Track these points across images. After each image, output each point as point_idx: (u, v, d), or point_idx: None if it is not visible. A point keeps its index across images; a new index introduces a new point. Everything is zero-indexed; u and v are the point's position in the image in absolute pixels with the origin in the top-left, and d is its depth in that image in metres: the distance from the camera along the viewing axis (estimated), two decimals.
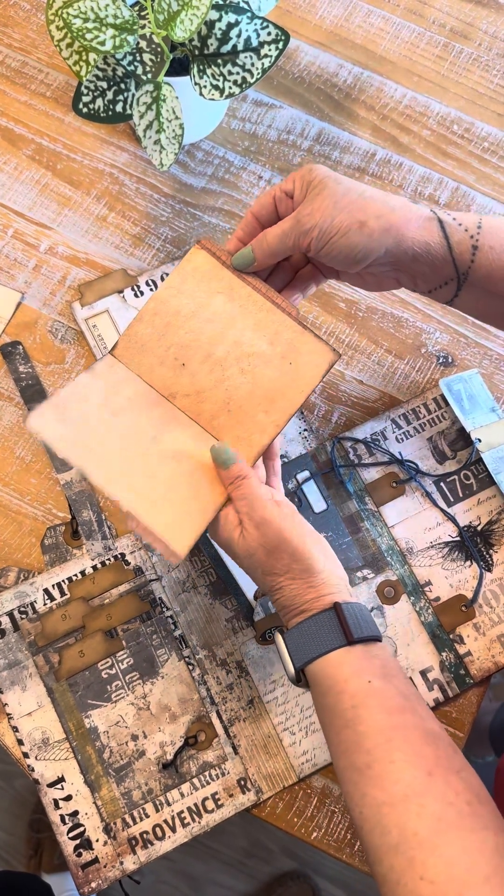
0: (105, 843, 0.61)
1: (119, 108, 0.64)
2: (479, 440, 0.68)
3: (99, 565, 0.66)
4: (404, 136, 0.80)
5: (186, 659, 0.64)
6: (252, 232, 0.56)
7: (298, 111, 0.80)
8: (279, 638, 0.53)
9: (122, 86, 0.64)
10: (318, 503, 0.68)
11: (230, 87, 0.63)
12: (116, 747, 0.62)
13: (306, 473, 0.68)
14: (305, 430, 0.70)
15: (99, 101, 0.64)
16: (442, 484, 0.68)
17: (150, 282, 0.73)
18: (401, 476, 0.68)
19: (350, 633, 0.50)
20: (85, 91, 0.63)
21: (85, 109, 0.64)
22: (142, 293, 0.73)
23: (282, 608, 0.54)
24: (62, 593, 0.65)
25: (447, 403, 0.70)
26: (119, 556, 0.66)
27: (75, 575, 0.66)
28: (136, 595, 0.65)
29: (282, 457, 0.68)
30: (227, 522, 0.54)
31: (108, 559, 0.66)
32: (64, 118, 0.79)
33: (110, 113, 0.64)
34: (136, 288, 0.73)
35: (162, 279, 0.73)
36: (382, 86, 0.81)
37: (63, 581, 0.66)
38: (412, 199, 0.77)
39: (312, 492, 0.68)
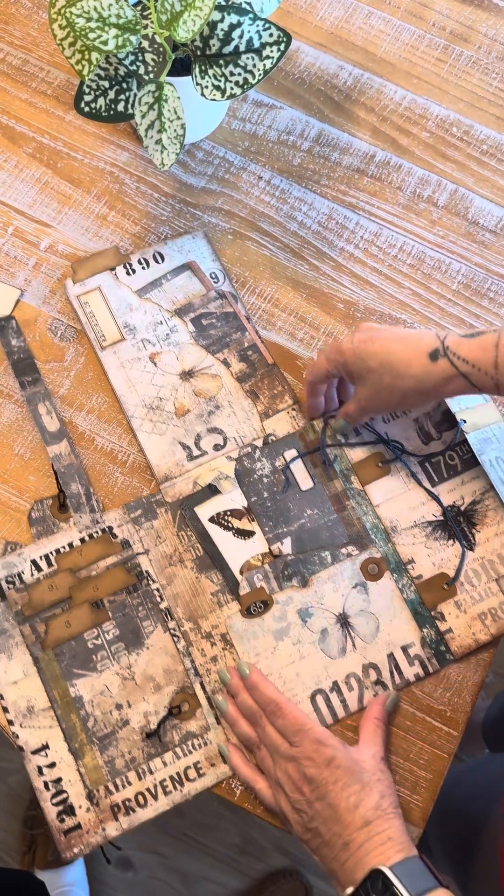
0: (88, 809, 0.62)
1: (121, 107, 0.64)
2: (465, 421, 0.69)
3: (87, 538, 0.67)
4: (404, 137, 0.80)
5: (171, 631, 0.65)
6: (315, 392, 0.68)
7: (298, 112, 0.80)
8: (387, 871, 0.52)
9: (124, 85, 0.64)
10: (304, 481, 0.69)
11: (232, 88, 0.63)
12: (101, 716, 0.64)
13: (293, 452, 0.70)
14: (293, 408, 0.71)
15: (101, 101, 0.64)
16: (427, 464, 0.70)
17: (142, 260, 0.74)
18: (386, 456, 0.70)
19: (442, 880, 0.53)
20: (87, 90, 0.63)
21: (87, 108, 0.64)
22: (133, 271, 0.74)
23: (371, 845, 0.55)
24: (49, 564, 0.66)
25: None
26: (107, 529, 0.67)
27: (63, 547, 0.67)
28: (122, 568, 0.66)
29: (269, 435, 0.70)
30: (281, 804, 0.60)
31: (96, 532, 0.67)
32: (65, 116, 0.79)
33: (112, 112, 0.64)
34: (128, 266, 0.74)
35: (154, 258, 0.74)
36: (382, 87, 0.81)
37: (51, 553, 0.67)
38: (412, 203, 0.78)
39: (299, 470, 0.69)
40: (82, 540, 0.67)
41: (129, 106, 0.64)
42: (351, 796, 0.56)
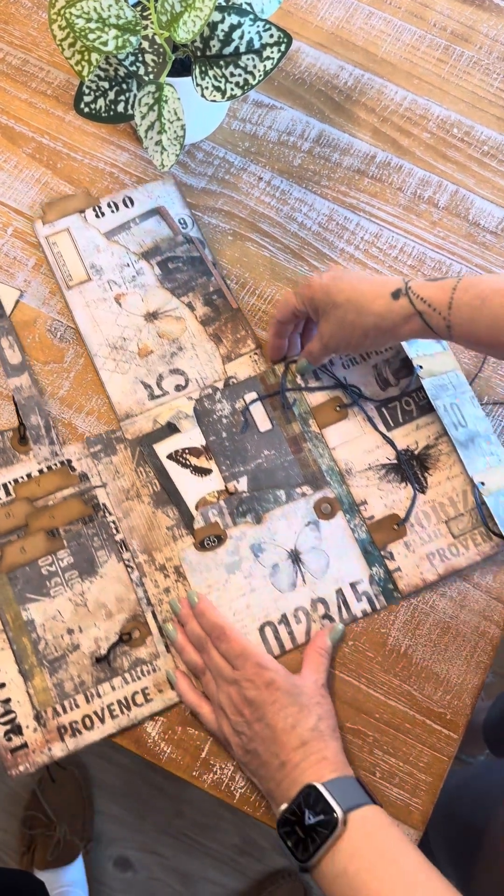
0: (35, 729, 0.63)
1: (121, 108, 0.64)
2: (421, 367, 0.70)
3: (45, 469, 0.68)
4: (404, 138, 0.80)
5: (126, 561, 0.66)
6: (281, 332, 0.69)
7: (299, 112, 0.80)
8: (320, 785, 0.54)
9: (124, 86, 0.64)
10: (263, 423, 0.70)
11: (232, 89, 0.63)
12: (52, 640, 0.65)
13: (254, 395, 0.71)
14: (255, 352, 0.72)
15: (100, 101, 0.64)
16: (383, 409, 0.71)
17: (111, 203, 0.75)
18: (344, 400, 0.71)
19: (373, 798, 0.56)
20: (86, 91, 0.63)
21: (86, 109, 0.64)
22: (102, 214, 0.75)
23: (308, 764, 0.57)
24: (7, 493, 0.68)
25: None
26: (66, 462, 0.68)
27: (21, 477, 0.68)
28: (79, 499, 0.67)
29: (230, 378, 0.71)
30: (224, 727, 0.62)
31: (55, 464, 0.68)
32: (64, 117, 0.79)
33: (112, 113, 0.64)
34: (97, 209, 0.75)
35: (124, 202, 0.75)
36: (383, 88, 0.81)
37: (9, 482, 0.68)
38: (412, 204, 0.78)
39: (258, 412, 0.71)
40: (41, 471, 0.68)
41: (129, 107, 0.64)
42: (289, 717, 0.58)
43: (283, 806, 0.55)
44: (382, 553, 0.68)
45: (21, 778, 1.36)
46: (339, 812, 0.52)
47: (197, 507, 0.68)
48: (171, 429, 0.70)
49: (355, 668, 0.66)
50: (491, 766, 0.89)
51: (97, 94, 0.63)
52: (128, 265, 0.74)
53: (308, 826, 0.53)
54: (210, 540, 0.67)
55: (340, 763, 0.57)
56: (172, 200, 0.76)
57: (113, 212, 0.75)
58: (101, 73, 0.63)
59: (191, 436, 0.70)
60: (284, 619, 0.66)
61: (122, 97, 0.64)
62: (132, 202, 0.76)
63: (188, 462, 0.69)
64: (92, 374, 0.71)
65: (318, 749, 0.57)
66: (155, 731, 0.64)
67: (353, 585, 0.67)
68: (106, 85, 0.63)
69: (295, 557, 0.67)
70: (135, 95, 0.63)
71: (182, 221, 0.75)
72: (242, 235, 0.76)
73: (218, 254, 0.75)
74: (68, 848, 1.30)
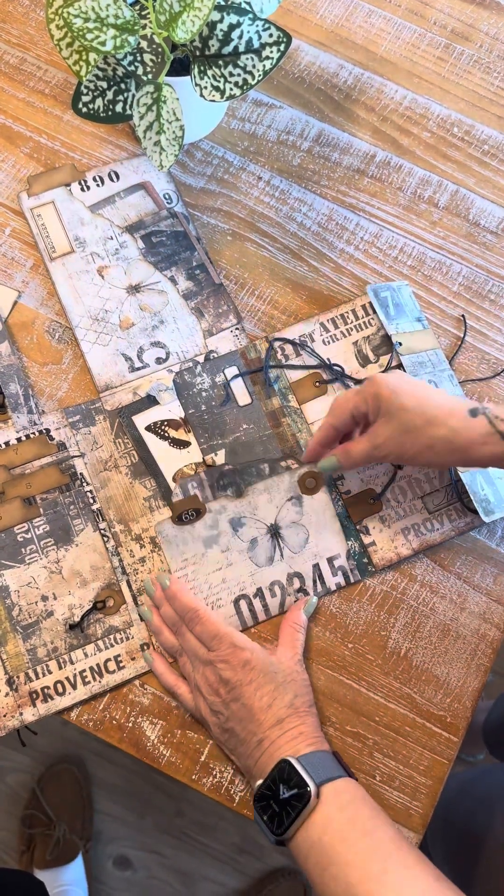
0: (7, 694, 0.64)
1: (119, 108, 0.63)
2: (400, 343, 0.71)
3: (23, 437, 0.68)
4: (404, 137, 0.79)
5: (102, 531, 0.67)
6: (329, 438, 0.65)
7: (298, 112, 0.80)
8: (294, 760, 0.55)
9: (123, 86, 0.63)
10: (242, 397, 0.71)
11: (231, 89, 0.62)
12: (26, 606, 0.65)
13: (234, 370, 0.71)
14: (236, 327, 0.72)
15: (99, 101, 0.63)
16: None
17: (97, 177, 0.76)
18: (324, 376, 0.71)
19: (350, 772, 0.57)
20: (85, 91, 0.63)
21: (84, 109, 0.64)
22: (88, 188, 0.75)
23: (284, 739, 0.57)
24: None
25: (375, 311, 0.73)
26: (44, 430, 0.69)
27: None
28: (57, 468, 0.68)
29: (211, 352, 0.72)
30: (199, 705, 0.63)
31: (33, 433, 0.69)
32: (62, 116, 0.78)
33: (110, 113, 0.64)
34: (83, 182, 0.75)
35: (110, 176, 0.75)
36: (383, 87, 0.81)
37: None
38: (412, 203, 0.77)
39: (238, 386, 0.71)
40: (18, 439, 0.68)
41: (128, 107, 0.63)
42: (265, 696, 0.58)
43: (259, 781, 0.56)
44: (358, 527, 0.68)
45: (20, 777, 1.37)
46: (311, 785, 0.53)
47: (175, 479, 0.68)
48: (150, 401, 0.70)
49: (356, 671, 0.66)
50: (489, 769, 0.89)
51: (95, 94, 0.63)
52: (111, 238, 0.74)
53: (282, 800, 0.54)
54: (188, 514, 0.67)
55: (317, 738, 0.58)
56: (158, 176, 0.76)
57: (98, 186, 0.75)
58: (100, 73, 0.62)
59: (170, 408, 0.70)
60: (260, 593, 0.67)
61: (121, 97, 0.63)
62: (118, 176, 0.76)
63: (167, 434, 0.70)
64: (90, 376, 0.71)
65: (295, 725, 0.58)
66: (154, 735, 0.64)
67: (329, 560, 0.68)
68: (104, 85, 0.63)
69: (275, 532, 0.68)
70: (133, 95, 0.63)
71: (167, 196, 0.75)
72: (241, 235, 0.76)
73: (217, 254, 0.75)
74: (68, 847, 1.30)
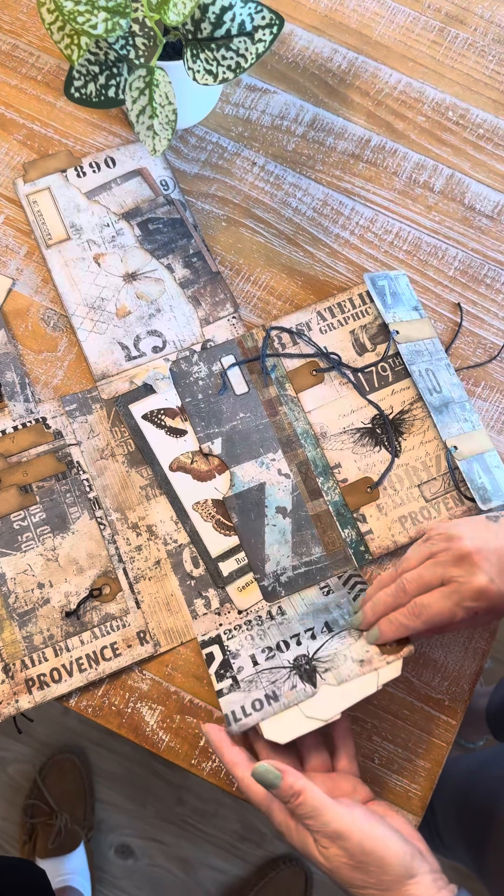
0: (3, 681, 0.64)
1: (111, 92, 0.63)
2: (397, 332, 0.71)
3: (20, 426, 0.68)
4: (399, 122, 0.79)
5: (98, 519, 0.67)
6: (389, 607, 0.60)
7: (292, 96, 0.79)
8: None
9: (115, 70, 0.63)
10: (239, 386, 0.71)
11: (224, 73, 0.62)
12: (22, 593, 0.65)
13: (231, 359, 0.71)
14: (233, 316, 0.72)
15: (91, 86, 0.63)
16: (360, 374, 0.71)
17: (93, 164, 0.75)
18: (321, 365, 0.71)
19: None
20: (76, 75, 0.62)
21: (77, 94, 0.63)
22: (84, 174, 0.75)
23: None
24: None
25: (372, 300, 0.72)
26: (41, 419, 0.69)
27: None
28: (53, 456, 0.68)
29: (208, 341, 0.71)
30: (304, 843, 0.52)
31: (30, 421, 0.69)
32: (55, 102, 0.78)
33: (102, 98, 0.63)
34: (79, 168, 0.75)
35: (106, 162, 0.75)
36: (377, 71, 0.80)
37: None
38: (408, 188, 0.77)
39: (235, 375, 0.71)
40: (15, 428, 0.68)
41: (120, 91, 0.63)
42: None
43: None
44: (355, 516, 0.68)
45: (22, 767, 1.37)
46: None
47: (171, 468, 0.68)
48: (147, 389, 0.70)
49: None
50: (472, 746, 0.89)
51: (87, 78, 0.63)
52: (108, 225, 0.74)
53: None
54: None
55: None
56: (155, 162, 0.76)
57: (95, 172, 0.75)
58: (91, 58, 0.62)
59: (167, 397, 0.70)
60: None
61: (113, 82, 0.63)
62: (114, 162, 0.75)
63: (163, 423, 0.69)
64: (86, 364, 0.71)
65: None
66: (153, 720, 0.64)
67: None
68: (96, 69, 0.62)
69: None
70: (125, 80, 0.63)
71: (164, 183, 0.75)
72: (236, 221, 0.75)
73: (211, 240, 0.75)
74: (69, 836, 1.31)
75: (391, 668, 0.59)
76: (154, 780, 1.40)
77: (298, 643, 0.63)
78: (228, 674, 0.63)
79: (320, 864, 0.51)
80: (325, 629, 0.64)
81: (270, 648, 0.63)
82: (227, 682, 0.62)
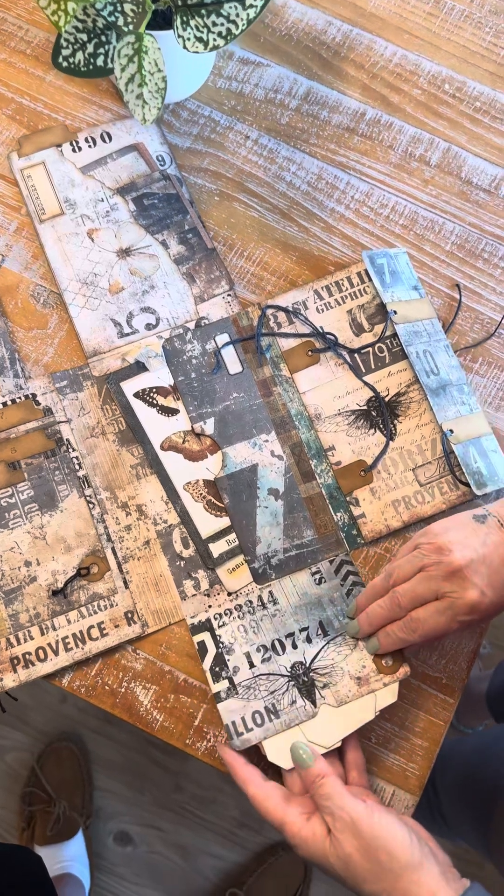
0: None
1: (100, 61, 0.62)
2: (395, 312, 0.70)
3: (9, 402, 0.67)
4: (394, 95, 0.78)
5: (87, 497, 0.66)
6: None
7: (286, 70, 0.78)
8: None
9: (103, 38, 0.61)
10: (233, 365, 0.70)
11: (214, 40, 0.61)
12: (9, 571, 0.64)
13: (225, 337, 0.70)
14: (228, 294, 0.71)
15: (79, 55, 0.62)
16: (356, 355, 0.70)
17: (89, 138, 0.74)
18: (317, 345, 0.70)
19: None
20: (64, 44, 0.61)
21: (65, 63, 0.62)
22: (79, 149, 0.74)
23: None
24: None
25: (371, 279, 0.71)
26: (30, 395, 0.68)
27: None
28: (42, 433, 0.67)
29: (202, 318, 0.70)
30: (315, 834, 0.54)
31: (19, 397, 0.68)
32: (45, 77, 0.76)
33: (91, 67, 0.62)
34: (74, 143, 0.74)
35: (102, 137, 0.74)
36: (372, 44, 0.79)
37: None
38: (404, 161, 0.76)
39: (229, 354, 0.70)
40: (4, 404, 0.68)
41: (109, 60, 0.62)
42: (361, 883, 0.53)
43: None
44: (348, 499, 0.67)
45: (20, 755, 1.37)
46: None
47: (163, 447, 0.67)
48: (139, 367, 0.69)
49: None
50: (470, 731, 0.89)
51: (75, 46, 0.61)
52: (102, 200, 0.72)
53: None
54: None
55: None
56: (151, 137, 0.74)
57: (90, 147, 0.74)
58: (79, 25, 0.60)
59: (159, 375, 0.69)
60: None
61: (101, 50, 0.62)
62: (110, 137, 0.74)
63: (155, 401, 0.68)
64: (77, 341, 0.70)
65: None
66: (147, 700, 0.63)
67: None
68: (84, 37, 0.61)
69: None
70: (114, 47, 0.61)
71: (160, 158, 0.74)
72: (229, 196, 0.74)
73: (204, 215, 0.73)
74: (68, 823, 1.30)
75: (388, 693, 0.61)
76: (152, 767, 1.39)
77: (294, 646, 0.63)
78: (224, 674, 0.62)
79: (331, 864, 0.53)
80: (319, 631, 0.63)
81: (265, 647, 0.63)
82: (224, 683, 0.62)
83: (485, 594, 0.55)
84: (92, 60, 0.62)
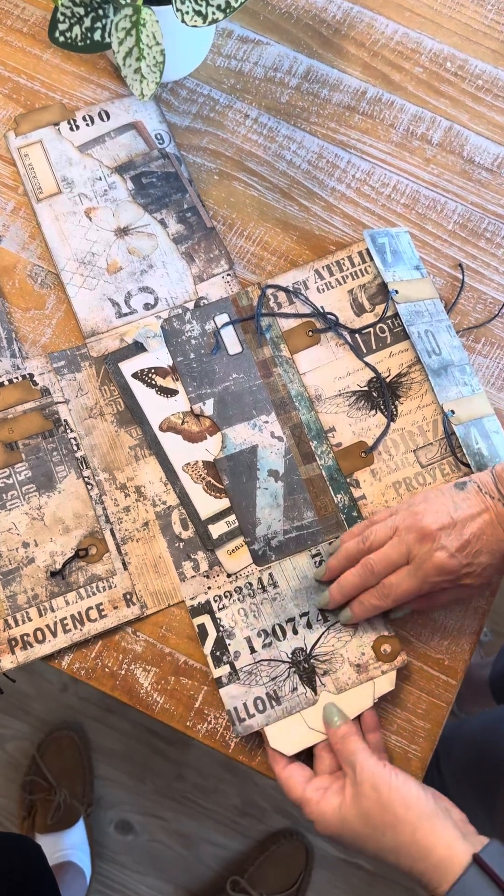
0: None
1: (97, 35, 0.61)
2: (396, 291, 0.69)
3: (6, 382, 0.67)
4: (396, 73, 0.77)
5: (86, 478, 0.66)
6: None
7: (286, 48, 0.77)
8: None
9: (100, 12, 0.61)
10: (233, 346, 0.69)
11: (213, 13, 0.60)
12: (6, 552, 0.64)
13: (225, 317, 0.69)
14: (228, 273, 0.70)
15: (76, 29, 0.61)
16: (357, 336, 0.69)
17: (87, 117, 0.73)
18: (317, 325, 0.69)
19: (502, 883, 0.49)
20: (61, 18, 0.60)
21: (61, 38, 0.61)
22: (77, 127, 0.73)
23: (417, 879, 0.52)
24: None
25: (372, 258, 0.70)
26: (27, 375, 0.67)
27: None
28: (40, 413, 0.66)
29: (201, 298, 0.70)
30: (332, 804, 0.55)
31: (16, 377, 0.67)
32: (42, 55, 0.75)
33: (88, 41, 0.61)
34: (72, 122, 0.73)
35: (100, 115, 0.73)
36: (373, 21, 0.78)
37: None
38: (405, 140, 0.75)
39: (229, 335, 0.69)
40: (1, 384, 0.67)
41: (106, 34, 0.61)
42: (371, 848, 0.54)
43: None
44: (348, 481, 0.67)
45: (20, 744, 1.36)
46: None
47: (161, 429, 0.66)
48: (137, 348, 0.68)
49: None
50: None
51: (72, 20, 0.60)
52: (100, 179, 0.71)
53: None
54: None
55: (436, 865, 0.51)
56: (150, 115, 0.73)
57: (88, 125, 0.73)
58: None
59: (158, 355, 0.68)
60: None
61: (99, 24, 0.61)
62: (108, 116, 0.73)
63: (154, 382, 0.68)
64: (75, 322, 0.69)
65: (408, 864, 0.52)
66: (147, 682, 0.63)
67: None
68: (81, 11, 0.60)
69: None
70: (111, 21, 0.60)
71: (159, 137, 0.73)
72: (229, 175, 0.73)
73: (203, 194, 0.73)
74: (69, 812, 1.30)
75: (386, 680, 0.62)
76: (154, 756, 1.39)
77: (295, 631, 0.63)
78: (226, 658, 0.62)
79: (350, 824, 0.54)
80: (320, 616, 0.63)
81: (266, 632, 0.62)
82: (226, 668, 0.62)
83: (454, 556, 0.57)
84: (89, 35, 0.61)
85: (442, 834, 0.51)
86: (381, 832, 0.52)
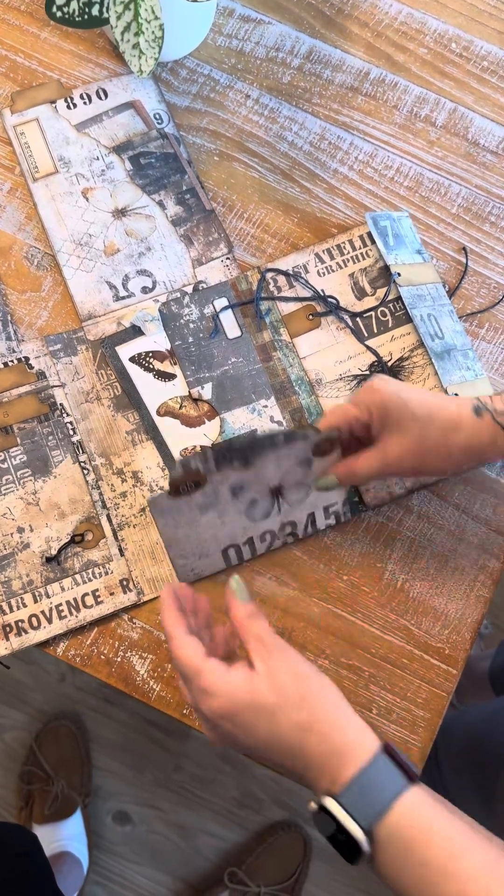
0: None
1: (95, 10, 0.60)
2: (398, 275, 0.68)
3: (1, 365, 0.66)
4: (400, 54, 0.75)
5: (82, 463, 0.65)
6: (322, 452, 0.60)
7: (288, 27, 0.76)
8: (332, 804, 0.45)
9: None
10: (232, 330, 0.68)
11: None
12: (1, 537, 0.63)
13: (224, 301, 0.68)
14: (227, 257, 0.69)
15: (74, 4, 0.60)
16: (358, 319, 0.68)
17: (84, 95, 0.72)
18: (318, 309, 0.68)
19: (411, 773, 0.46)
20: None
21: (59, 13, 0.60)
22: (74, 105, 0.72)
23: (315, 767, 0.47)
24: None
25: (373, 242, 0.69)
26: (23, 358, 0.66)
27: None
28: (36, 397, 0.65)
29: (200, 282, 0.69)
30: (240, 677, 0.47)
31: (11, 361, 0.66)
32: (40, 34, 0.74)
33: (86, 16, 0.60)
34: (69, 100, 0.72)
35: (98, 94, 0.72)
36: (377, 1, 0.77)
37: None
38: (409, 122, 0.73)
39: (228, 318, 0.68)
40: None
41: (104, 9, 0.60)
42: (261, 735, 0.47)
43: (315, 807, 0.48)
44: None
45: (18, 734, 1.36)
46: (361, 839, 0.45)
47: (159, 413, 0.65)
48: (135, 331, 0.67)
49: (350, 603, 0.63)
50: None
51: None
52: (97, 158, 0.70)
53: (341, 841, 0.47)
54: (187, 486, 0.62)
55: (348, 742, 0.47)
56: (148, 94, 0.72)
57: (85, 104, 0.72)
58: None
59: (156, 339, 0.67)
60: (250, 541, 0.64)
61: None
62: (106, 94, 0.72)
63: (152, 366, 0.67)
64: (71, 304, 0.68)
65: (315, 751, 0.47)
66: (143, 669, 0.62)
67: (325, 508, 0.65)
68: None
69: (276, 492, 0.64)
70: None
71: (157, 116, 0.71)
72: (229, 156, 0.72)
73: (203, 175, 0.71)
74: (66, 802, 1.30)
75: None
76: (152, 747, 1.38)
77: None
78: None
79: (263, 698, 0.47)
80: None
81: None
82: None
83: (399, 391, 0.55)
84: (87, 9, 0.60)
85: (353, 718, 0.47)
86: (297, 705, 0.47)
